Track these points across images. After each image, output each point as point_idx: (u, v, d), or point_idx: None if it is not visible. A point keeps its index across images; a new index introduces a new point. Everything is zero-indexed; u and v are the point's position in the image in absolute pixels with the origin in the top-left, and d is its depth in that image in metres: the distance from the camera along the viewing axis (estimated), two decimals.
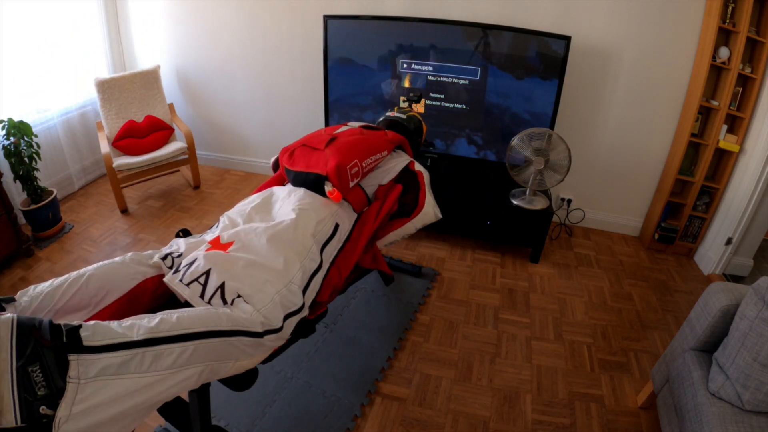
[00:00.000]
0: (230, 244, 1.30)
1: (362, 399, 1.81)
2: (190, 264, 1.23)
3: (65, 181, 3.21)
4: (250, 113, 3.47)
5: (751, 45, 2.42)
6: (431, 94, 2.72)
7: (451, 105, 2.72)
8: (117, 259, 1.26)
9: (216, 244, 1.31)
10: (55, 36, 2.98)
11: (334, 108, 2.94)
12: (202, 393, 1.24)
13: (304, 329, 1.35)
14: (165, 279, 1.22)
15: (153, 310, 1.24)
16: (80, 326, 0.87)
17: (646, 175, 2.90)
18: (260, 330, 1.14)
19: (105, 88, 3.03)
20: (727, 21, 2.37)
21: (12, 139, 2.50)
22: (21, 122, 2.55)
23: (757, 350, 1.31)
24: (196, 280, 1.19)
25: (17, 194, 2.76)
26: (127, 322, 0.95)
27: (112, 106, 3.07)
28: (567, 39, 2.40)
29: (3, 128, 2.52)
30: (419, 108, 2.74)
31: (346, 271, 1.54)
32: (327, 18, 2.69)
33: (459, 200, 2.67)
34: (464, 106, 2.70)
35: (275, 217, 1.48)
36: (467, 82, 2.63)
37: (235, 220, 1.47)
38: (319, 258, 1.42)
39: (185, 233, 1.50)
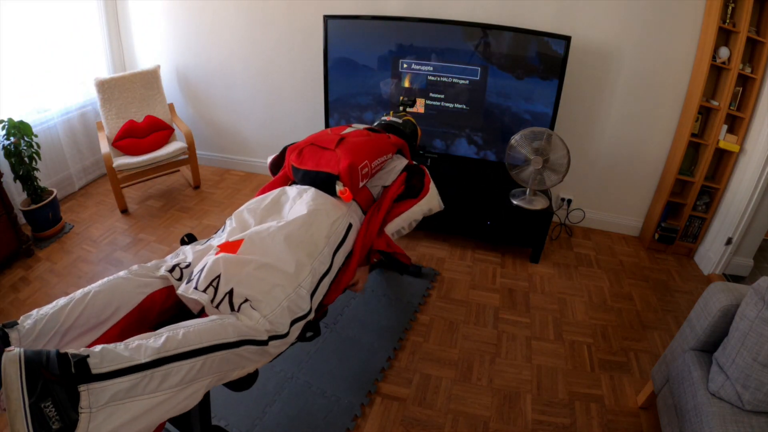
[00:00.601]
0: (239, 243, 1.28)
1: (362, 399, 1.81)
2: (202, 269, 1.21)
3: (65, 181, 3.21)
4: (250, 113, 3.47)
5: (751, 45, 2.42)
6: (431, 94, 2.72)
7: (451, 105, 2.72)
8: (121, 273, 1.23)
9: (226, 245, 1.29)
10: (55, 36, 2.98)
11: (334, 108, 2.94)
12: None
13: (311, 330, 1.35)
14: (179, 291, 1.20)
15: (163, 323, 1.21)
16: (88, 356, 0.86)
17: (646, 174, 2.90)
18: (265, 338, 1.14)
19: (105, 88, 3.03)
20: (727, 21, 2.37)
21: (12, 139, 2.50)
22: (21, 122, 2.55)
23: (757, 350, 1.31)
24: (211, 284, 1.18)
25: (17, 194, 2.76)
26: (133, 342, 0.94)
27: (112, 106, 3.07)
28: (567, 39, 2.40)
29: (3, 128, 2.52)
30: (420, 109, 2.75)
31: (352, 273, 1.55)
32: (327, 18, 2.69)
33: (459, 200, 2.67)
34: (464, 106, 2.70)
35: (286, 217, 1.45)
36: (467, 82, 2.63)
37: (247, 221, 1.45)
38: (329, 261, 1.41)
39: (190, 239, 1.48)
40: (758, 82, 2.39)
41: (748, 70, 2.41)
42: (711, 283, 1.58)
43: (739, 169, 2.55)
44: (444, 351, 2.07)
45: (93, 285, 1.16)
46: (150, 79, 3.22)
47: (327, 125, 3.01)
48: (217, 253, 1.25)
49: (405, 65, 2.69)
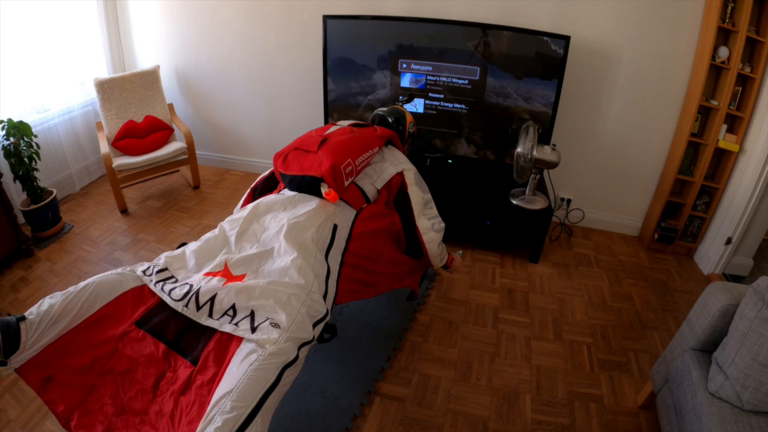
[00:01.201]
0: (244, 275, 1.35)
1: (361, 399, 1.81)
2: (212, 298, 1.26)
3: (65, 181, 3.21)
4: (249, 113, 3.47)
5: (751, 44, 2.42)
6: (430, 95, 2.72)
7: (450, 105, 2.72)
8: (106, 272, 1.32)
9: (230, 276, 1.34)
10: (55, 36, 2.98)
11: (333, 108, 2.94)
12: None
13: (329, 331, 1.40)
14: (192, 317, 1.23)
15: (159, 323, 1.25)
16: None
17: (646, 174, 2.90)
18: (296, 353, 1.17)
19: (105, 88, 3.03)
20: (727, 20, 2.37)
21: (12, 139, 2.50)
22: (21, 122, 2.55)
23: (756, 350, 1.31)
24: (226, 313, 1.23)
25: (17, 194, 2.77)
26: None
27: (111, 106, 3.07)
28: (566, 39, 2.40)
29: (3, 128, 2.52)
30: (415, 104, 2.74)
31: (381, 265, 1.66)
32: (326, 18, 2.69)
33: (459, 200, 2.67)
34: (464, 107, 2.70)
35: (268, 239, 1.48)
36: (467, 82, 2.63)
37: (238, 246, 1.48)
38: (326, 263, 1.45)
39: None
40: (758, 82, 2.39)
41: (747, 70, 2.41)
42: (710, 283, 1.58)
43: (739, 169, 2.54)
44: (443, 351, 2.07)
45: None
46: (150, 79, 3.22)
47: (326, 125, 3.01)
48: (224, 284, 1.29)
49: (404, 65, 2.68)
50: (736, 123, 2.53)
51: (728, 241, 2.59)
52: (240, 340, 1.16)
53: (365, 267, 1.62)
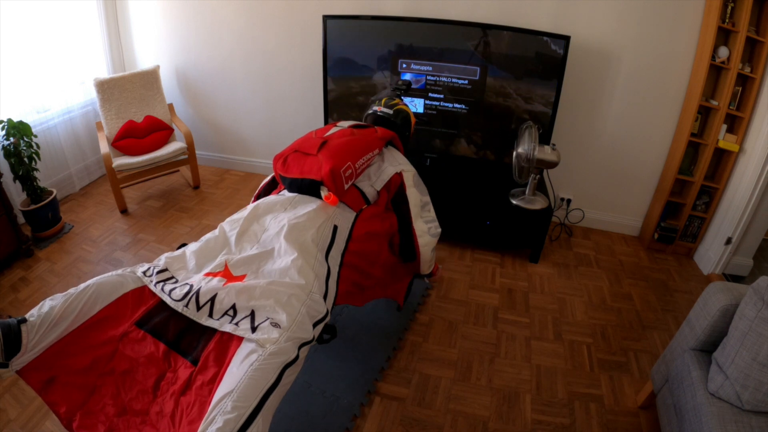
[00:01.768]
0: (244, 276, 1.35)
1: (361, 399, 1.81)
2: (213, 298, 1.25)
3: (65, 181, 3.21)
4: (249, 113, 3.47)
5: (751, 44, 2.42)
6: (430, 94, 2.72)
7: (450, 105, 2.72)
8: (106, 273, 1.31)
9: (230, 277, 1.34)
10: (55, 36, 2.98)
11: (333, 108, 2.94)
12: None
13: (328, 332, 1.41)
14: (192, 317, 1.23)
15: (157, 323, 1.25)
16: None
17: (646, 174, 2.90)
18: (296, 353, 1.17)
19: (104, 88, 3.03)
20: (727, 20, 2.37)
21: (12, 139, 2.50)
22: (21, 122, 2.55)
23: (756, 350, 1.31)
24: (226, 313, 1.23)
25: (17, 194, 2.77)
26: None
27: (111, 107, 3.07)
28: (566, 39, 2.40)
29: (3, 128, 2.52)
30: (413, 102, 2.74)
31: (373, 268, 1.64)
32: (326, 18, 2.69)
33: (458, 200, 2.67)
34: (464, 106, 2.70)
35: (268, 240, 1.48)
36: (466, 82, 2.63)
37: (238, 246, 1.48)
38: (326, 264, 1.45)
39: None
40: (758, 82, 2.39)
41: (747, 70, 2.41)
42: (710, 283, 1.58)
43: (739, 169, 2.54)
44: (443, 351, 2.07)
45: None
46: (149, 79, 3.22)
47: (326, 125, 3.01)
48: (224, 284, 1.29)
49: (404, 65, 2.68)
50: (736, 123, 2.53)
51: (728, 241, 2.59)
52: (240, 340, 1.16)
53: (362, 269, 1.62)
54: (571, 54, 2.52)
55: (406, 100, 2.67)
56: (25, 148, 2.56)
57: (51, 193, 2.76)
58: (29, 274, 2.47)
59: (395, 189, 1.79)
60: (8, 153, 2.52)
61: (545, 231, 2.62)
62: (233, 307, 1.24)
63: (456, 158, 2.85)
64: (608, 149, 2.88)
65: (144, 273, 1.36)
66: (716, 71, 2.53)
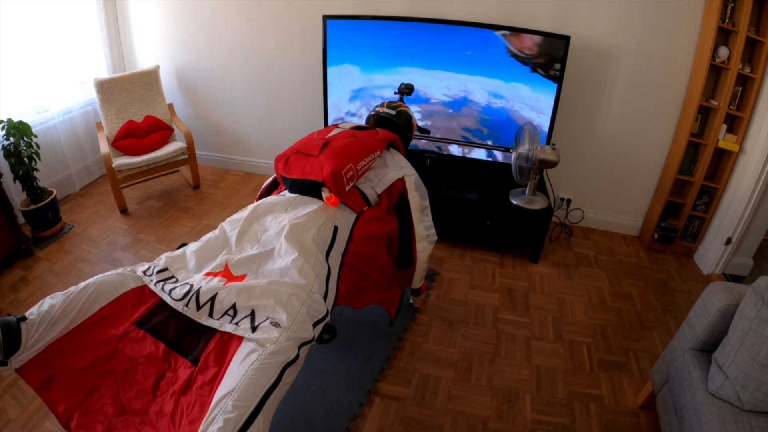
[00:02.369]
0: (244, 276, 1.35)
1: (361, 399, 1.81)
2: (212, 298, 1.25)
3: (65, 181, 3.21)
4: (249, 113, 3.47)
5: (751, 44, 2.42)
6: (430, 94, 2.72)
7: (450, 105, 2.72)
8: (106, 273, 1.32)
9: (230, 276, 1.34)
10: (55, 36, 2.98)
11: (333, 108, 2.94)
12: None
13: (328, 332, 1.41)
14: (192, 317, 1.23)
15: (156, 324, 1.25)
16: None
17: (646, 174, 2.90)
18: (296, 353, 1.17)
19: (104, 88, 3.03)
20: (727, 20, 2.37)
21: (12, 139, 2.50)
22: (21, 122, 2.55)
23: (756, 350, 1.31)
24: (226, 312, 1.23)
25: (17, 194, 2.77)
26: None
27: (111, 107, 3.07)
28: (566, 39, 2.40)
29: (3, 128, 2.52)
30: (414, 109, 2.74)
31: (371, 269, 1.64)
32: (326, 18, 2.69)
33: (458, 200, 2.67)
34: (463, 106, 2.70)
35: (269, 240, 1.48)
36: (466, 81, 2.63)
37: (238, 246, 1.48)
38: (326, 264, 1.45)
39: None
40: (758, 82, 2.39)
41: (747, 70, 2.41)
42: (710, 283, 1.58)
43: (739, 169, 2.54)
44: (443, 351, 2.07)
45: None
46: (149, 79, 3.22)
47: (326, 125, 3.01)
48: (224, 284, 1.29)
49: (404, 65, 2.68)
50: (736, 123, 2.53)
51: (728, 241, 2.59)
52: (240, 339, 1.16)
53: (362, 270, 1.62)
54: (571, 54, 2.52)
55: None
56: (25, 148, 2.56)
57: (51, 193, 2.76)
58: (29, 274, 2.47)
59: (397, 194, 1.79)
60: (8, 153, 2.52)
61: (545, 231, 2.62)
62: (233, 306, 1.24)
63: (456, 158, 2.85)
64: (608, 149, 2.88)
65: (144, 272, 1.36)
66: (716, 71, 2.53)
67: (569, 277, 2.62)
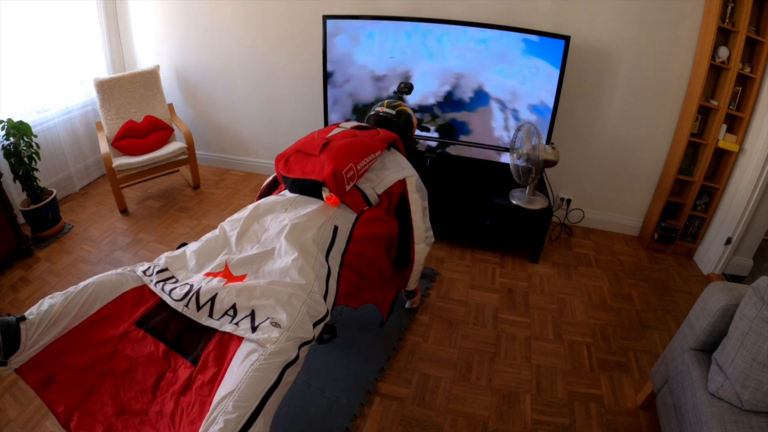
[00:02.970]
0: (244, 276, 1.35)
1: (361, 399, 1.81)
2: (212, 298, 1.25)
3: (65, 181, 3.21)
4: (249, 113, 3.47)
5: (751, 44, 2.42)
6: (430, 95, 2.71)
7: (450, 104, 2.72)
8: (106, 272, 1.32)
9: (231, 277, 1.34)
10: (55, 36, 2.98)
11: (333, 108, 2.94)
12: None
13: (328, 332, 1.40)
14: (192, 317, 1.23)
15: (156, 324, 1.25)
16: None
17: (646, 174, 2.90)
18: (296, 353, 1.17)
19: (104, 88, 3.03)
20: (727, 20, 2.37)
21: (11, 139, 2.50)
22: (20, 122, 2.55)
23: (756, 350, 1.31)
24: (226, 313, 1.23)
25: (17, 194, 2.77)
26: None
27: (111, 107, 3.07)
28: (566, 39, 2.40)
29: (3, 128, 2.52)
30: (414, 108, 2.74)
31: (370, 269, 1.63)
32: (326, 18, 2.69)
33: (458, 200, 2.67)
34: (463, 106, 2.70)
35: (269, 240, 1.48)
36: (466, 81, 2.63)
37: (238, 245, 1.48)
38: (326, 264, 1.45)
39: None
40: (758, 82, 2.39)
41: (747, 70, 2.41)
42: (710, 283, 1.58)
43: (739, 169, 2.54)
44: (443, 351, 2.07)
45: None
46: (149, 79, 3.22)
47: (326, 125, 3.01)
48: (224, 284, 1.29)
49: (404, 65, 2.68)
50: (736, 123, 2.53)
51: (728, 241, 2.59)
52: (240, 339, 1.16)
53: (361, 270, 1.62)
54: (571, 54, 2.52)
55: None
56: (25, 148, 2.56)
57: (51, 193, 2.76)
58: (29, 274, 2.47)
59: (397, 196, 1.79)
60: (8, 153, 2.52)
61: (545, 231, 2.62)
62: (233, 306, 1.24)
63: (456, 158, 2.85)
64: (608, 149, 2.88)
65: (144, 272, 1.36)
66: (716, 71, 2.53)
67: (569, 277, 2.62)
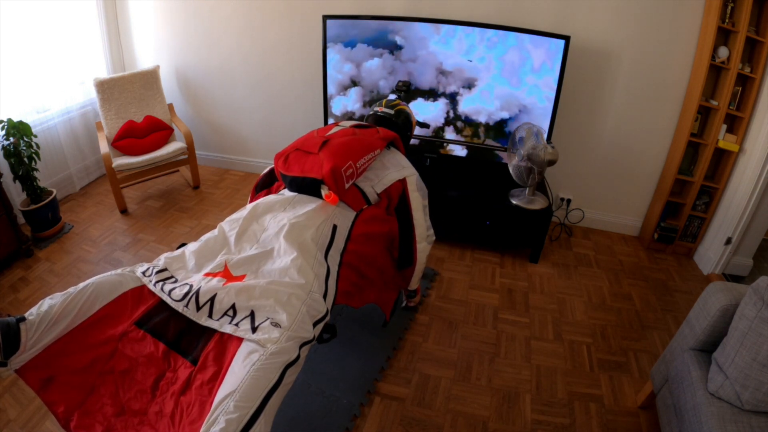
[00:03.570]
0: (243, 276, 1.35)
1: (361, 399, 1.81)
2: (212, 298, 1.25)
3: (65, 181, 3.21)
4: (249, 113, 3.47)
5: (751, 45, 2.42)
6: (430, 94, 2.72)
7: (450, 104, 2.72)
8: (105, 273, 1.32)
9: (230, 277, 1.34)
10: (55, 36, 2.98)
11: (333, 107, 2.94)
12: None
13: (328, 332, 1.40)
14: (192, 317, 1.23)
15: (155, 325, 1.25)
16: None
17: (646, 174, 2.90)
18: (297, 353, 1.17)
19: (104, 88, 3.03)
20: (727, 20, 2.37)
21: (11, 139, 2.50)
22: (20, 122, 2.55)
23: (756, 350, 1.31)
24: (226, 313, 1.23)
25: (17, 194, 2.76)
26: None
27: (111, 107, 3.07)
28: (566, 39, 2.40)
29: (3, 128, 2.52)
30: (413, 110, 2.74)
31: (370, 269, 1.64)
32: (326, 18, 2.69)
33: (458, 200, 2.67)
34: (463, 106, 2.70)
35: (268, 240, 1.48)
36: (466, 81, 2.63)
37: (237, 245, 1.48)
38: (325, 263, 1.45)
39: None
40: (757, 82, 2.39)
41: (747, 70, 2.41)
42: (710, 283, 1.58)
43: (739, 169, 2.54)
44: (443, 351, 2.07)
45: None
46: (149, 79, 3.22)
47: (326, 125, 3.00)
48: (224, 284, 1.29)
49: (403, 64, 2.68)
50: (736, 123, 2.53)
51: (728, 241, 2.59)
52: (240, 339, 1.16)
53: (360, 269, 1.62)
54: (571, 54, 2.52)
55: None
56: (24, 148, 2.56)
57: (51, 193, 2.76)
58: (29, 274, 2.47)
59: (397, 196, 1.78)
60: (8, 153, 2.51)
61: (545, 231, 2.62)
62: (233, 307, 1.24)
63: (456, 158, 2.85)
64: (608, 149, 2.88)
65: (143, 273, 1.35)
66: (716, 71, 2.53)
67: (569, 277, 2.62)
